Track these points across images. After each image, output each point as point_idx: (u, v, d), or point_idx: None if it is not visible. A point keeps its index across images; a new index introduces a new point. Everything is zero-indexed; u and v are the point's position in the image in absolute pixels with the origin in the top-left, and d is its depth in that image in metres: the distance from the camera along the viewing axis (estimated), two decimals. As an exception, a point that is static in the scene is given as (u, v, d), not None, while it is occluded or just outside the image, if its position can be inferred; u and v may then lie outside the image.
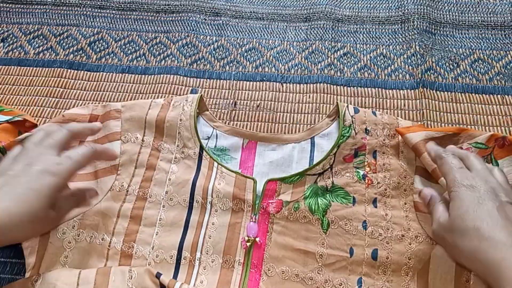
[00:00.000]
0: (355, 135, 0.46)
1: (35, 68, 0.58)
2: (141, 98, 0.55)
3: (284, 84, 0.57)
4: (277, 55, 0.60)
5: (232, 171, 0.44)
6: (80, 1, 0.65)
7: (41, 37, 0.62)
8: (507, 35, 0.60)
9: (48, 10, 0.64)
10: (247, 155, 0.47)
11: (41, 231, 0.36)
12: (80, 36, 0.62)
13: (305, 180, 0.44)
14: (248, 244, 0.41)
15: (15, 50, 0.60)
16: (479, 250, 0.30)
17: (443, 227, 0.34)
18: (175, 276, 0.40)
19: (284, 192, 0.43)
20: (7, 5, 0.65)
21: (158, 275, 0.36)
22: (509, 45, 0.59)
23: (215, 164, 0.45)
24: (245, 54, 0.60)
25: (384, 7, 0.64)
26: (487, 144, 0.43)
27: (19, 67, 0.58)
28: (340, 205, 0.43)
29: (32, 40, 0.61)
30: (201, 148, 0.46)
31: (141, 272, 0.36)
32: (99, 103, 0.51)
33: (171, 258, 0.41)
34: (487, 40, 0.60)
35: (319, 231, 0.42)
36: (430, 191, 0.39)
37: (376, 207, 0.43)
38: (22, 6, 0.65)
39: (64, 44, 0.61)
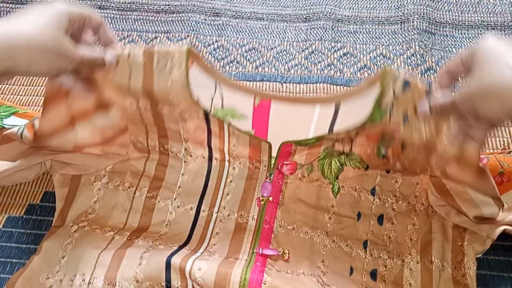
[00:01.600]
0: (388, 120, 0.36)
1: (35, 68, 0.58)
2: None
3: (284, 84, 0.57)
4: (277, 55, 0.60)
5: (246, 133, 0.41)
6: (80, 1, 0.66)
7: (42, 37, 0.62)
8: (506, 35, 0.60)
9: (48, 11, 0.65)
10: (260, 115, 0.43)
11: (57, 65, 0.33)
12: (81, 36, 0.62)
13: (321, 143, 0.41)
14: (262, 202, 0.43)
15: (15, 50, 0.60)
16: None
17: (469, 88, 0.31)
18: (193, 226, 0.43)
19: (299, 153, 0.42)
20: (8, 5, 0.65)
21: (168, 259, 0.37)
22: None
23: (225, 124, 0.41)
24: (245, 54, 0.60)
25: (384, 7, 0.64)
26: None
27: (19, 67, 0.58)
28: (352, 169, 0.43)
29: (33, 41, 0.61)
30: (206, 112, 0.40)
31: (151, 260, 0.38)
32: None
33: (191, 209, 0.44)
34: (487, 40, 0.60)
35: (330, 195, 0.43)
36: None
37: (388, 173, 0.43)
38: (23, 6, 0.65)
39: (64, 44, 0.61)
